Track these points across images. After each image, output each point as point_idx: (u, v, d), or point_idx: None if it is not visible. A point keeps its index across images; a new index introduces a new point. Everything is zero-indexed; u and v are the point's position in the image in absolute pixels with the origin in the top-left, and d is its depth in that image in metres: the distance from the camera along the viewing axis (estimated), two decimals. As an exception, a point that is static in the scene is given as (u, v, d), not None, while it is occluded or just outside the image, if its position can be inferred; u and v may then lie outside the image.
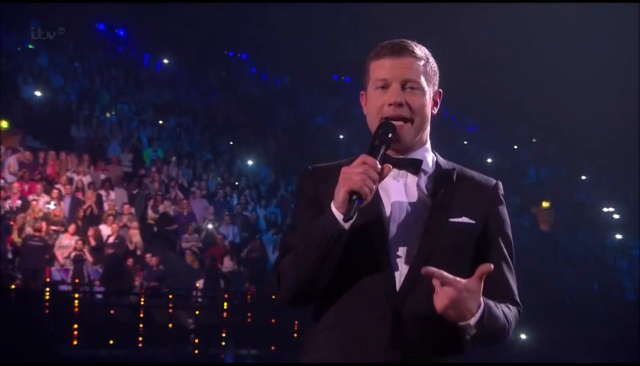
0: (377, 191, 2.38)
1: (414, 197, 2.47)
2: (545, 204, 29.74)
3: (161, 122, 23.86)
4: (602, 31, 25.42)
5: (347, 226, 2.30)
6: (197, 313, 15.57)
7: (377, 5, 25.24)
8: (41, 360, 12.37)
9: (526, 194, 29.17)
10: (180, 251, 18.41)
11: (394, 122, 2.43)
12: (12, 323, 12.84)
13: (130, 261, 16.00)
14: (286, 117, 28.42)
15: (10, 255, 14.89)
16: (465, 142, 33.67)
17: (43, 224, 15.29)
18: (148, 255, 16.31)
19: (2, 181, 16.71)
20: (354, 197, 2.27)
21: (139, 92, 24.92)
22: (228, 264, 17.74)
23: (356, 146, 22.16)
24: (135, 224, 17.12)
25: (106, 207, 17.38)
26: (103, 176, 18.61)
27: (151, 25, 26.72)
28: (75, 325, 13.52)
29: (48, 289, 14.19)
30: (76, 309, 13.68)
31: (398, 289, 2.37)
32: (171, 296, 15.17)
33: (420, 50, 2.54)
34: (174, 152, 22.09)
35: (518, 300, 2.57)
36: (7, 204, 15.71)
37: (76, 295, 14.21)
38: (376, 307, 2.37)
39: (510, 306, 2.50)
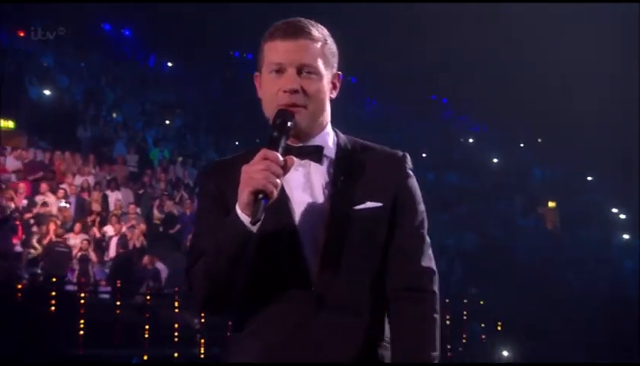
0: (282, 186, 2.23)
1: (317, 187, 2.36)
2: (551, 204, 29.70)
3: (166, 122, 23.92)
4: (608, 29, 25.37)
5: (254, 228, 2.18)
6: (202, 314, 15.57)
7: (399, 5, 25.21)
8: (46, 359, 12.41)
9: (532, 193, 29.16)
10: (185, 251, 18.42)
11: (290, 109, 2.31)
12: (18, 322, 12.89)
13: (137, 260, 16.02)
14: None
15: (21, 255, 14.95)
16: (471, 141, 33.68)
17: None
18: (147, 256, 16.33)
19: (8, 180, 16.76)
20: (260, 196, 2.14)
21: (145, 92, 24.98)
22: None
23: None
24: (140, 224, 17.14)
25: (111, 207, 17.42)
26: (108, 176, 18.66)
27: (156, 26, 26.75)
28: (81, 325, 13.55)
29: (54, 288, 14.23)
30: (82, 309, 13.70)
31: (313, 289, 2.28)
32: (176, 297, 15.17)
33: (318, 31, 2.39)
34: (179, 152, 22.14)
35: (431, 274, 2.38)
36: (12, 204, 15.74)
37: (82, 295, 14.23)
38: (295, 310, 2.28)
39: (421, 329, 2.32)
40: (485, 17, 25.86)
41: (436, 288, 2.39)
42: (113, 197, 17.81)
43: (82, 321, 13.51)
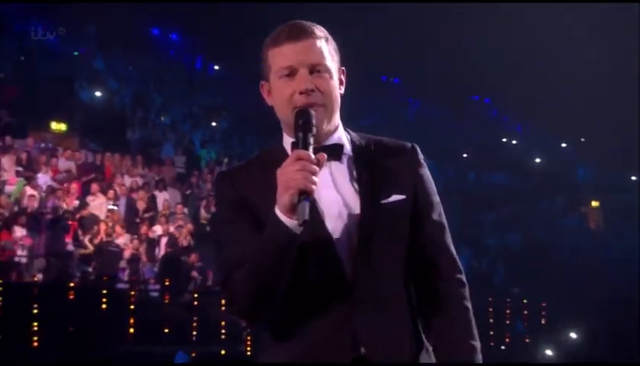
0: None
1: (342, 186, 2.35)
2: (594, 203, 29.30)
3: (213, 124, 24.07)
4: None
5: (299, 230, 2.15)
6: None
7: (425, 5, 25.10)
8: (97, 356, 12.55)
9: (575, 193, 28.79)
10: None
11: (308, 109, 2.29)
12: (70, 319, 13.07)
13: (184, 259, 16.15)
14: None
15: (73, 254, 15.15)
16: (514, 142, 33.36)
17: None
18: (194, 254, 16.44)
19: (60, 181, 16.99)
20: (302, 197, 2.11)
21: (192, 95, 25.15)
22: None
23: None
24: (187, 224, 17.27)
25: (160, 207, 17.57)
26: (156, 177, 18.82)
27: (202, 29, 26.91)
28: (131, 323, 13.69)
29: (105, 287, 14.41)
30: (132, 307, 13.84)
31: (350, 287, 2.27)
32: (223, 295, 15.24)
33: (319, 30, 2.40)
34: (225, 153, 22.26)
35: (458, 269, 2.42)
36: (64, 204, 15.95)
37: (132, 293, 14.38)
38: (334, 310, 2.26)
39: (460, 320, 2.36)
40: (527, 17, 25.62)
41: (464, 277, 2.43)
42: (161, 197, 17.95)
43: (132, 319, 13.66)
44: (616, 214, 27.72)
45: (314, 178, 2.13)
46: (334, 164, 2.36)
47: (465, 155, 28.44)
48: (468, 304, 2.38)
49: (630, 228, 26.31)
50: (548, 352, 18.56)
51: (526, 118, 33.44)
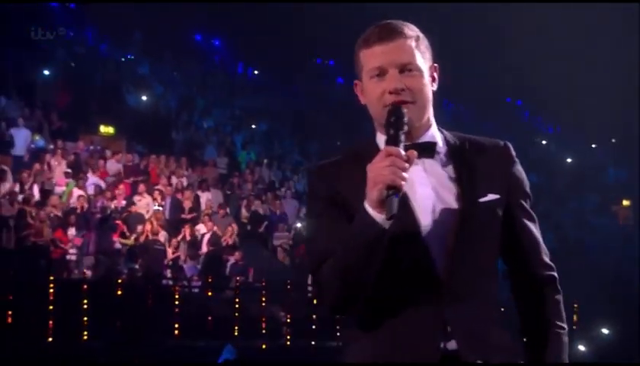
0: None
1: (436, 183, 2.31)
2: (625, 203, 28.94)
3: (253, 126, 24.16)
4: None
5: (387, 224, 2.12)
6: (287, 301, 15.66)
7: (459, 6, 24.95)
8: (145, 350, 12.67)
9: (606, 192, 28.45)
10: (272, 248, 18.59)
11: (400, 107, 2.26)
12: (119, 314, 13.21)
13: (226, 257, 16.26)
14: (371, 120, 28.37)
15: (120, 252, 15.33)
16: (544, 143, 33.07)
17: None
18: (237, 252, 16.53)
19: (109, 182, 17.19)
20: (390, 192, 2.09)
21: (233, 99, 25.28)
22: (317, 261, 17.80)
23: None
24: (232, 224, 17.38)
25: (203, 206, 17.69)
26: (200, 178, 18.95)
27: (243, 35, 27.05)
28: (176, 317, 13.80)
29: (151, 283, 14.56)
30: (176, 303, 13.95)
31: (441, 283, 2.24)
32: (264, 291, 15.31)
33: (409, 29, 2.35)
34: (265, 154, 22.34)
35: (547, 256, 2.44)
36: (113, 204, 16.13)
37: (176, 289, 14.49)
38: (423, 305, 2.23)
39: (550, 302, 2.41)
40: (559, 20, 25.38)
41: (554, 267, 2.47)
42: (204, 197, 18.07)
43: (177, 314, 13.77)
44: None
45: (403, 174, 2.11)
46: (428, 161, 2.34)
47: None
48: (558, 288, 2.43)
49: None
50: (581, 348, 18.35)
51: (557, 120, 33.14)
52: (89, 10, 23.05)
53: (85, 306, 12.78)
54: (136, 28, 23.49)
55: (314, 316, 15.29)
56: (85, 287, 13.17)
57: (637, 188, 28.13)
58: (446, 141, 2.40)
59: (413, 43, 2.33)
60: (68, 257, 14.58)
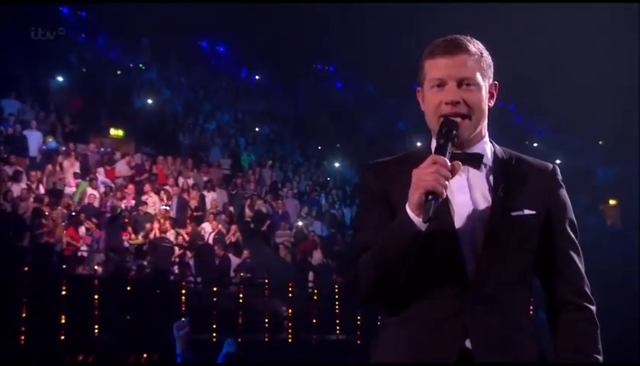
0: None
1: (477, 192, 2.36)
2: (612, 202, 28.97)
3: (256, 129, 24.18)
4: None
5: (424, 227, 2.19)
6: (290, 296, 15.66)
7: (459, 12, 24.94)
8: (152, 342, 12.68)
9: (594, 192, 28.47)
10: (274, 245, 18.61)
11: (453, 119, 2.32)
12: (128, 309, 13.22)
13: (227, 254, 16.24)
14: (370, 122, 28.40)
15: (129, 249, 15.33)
16: (536, 145, 33.09)
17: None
18: (245, 252, 16.55)
19: (118, 183, 17.20)
20: (430, 197, 2.15)
21: (237, 102, 25.29)
22: (317, 258, 17.84)
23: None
24: (233, 222, 17.40)
25: (208, 206, 17.71)
26: (205, 178, 18.96)
27: (247, 42, 27.08)
28: (182, 312, 13.80)
29: (159, 279, 14.57)
30: (183, 298, 13.96)
31: (468, 286, 2.28)
32: (266, 287, 15.33)
33: (474, 46, 2.39)
34: (267, 156, 22.36)
35: (588, 287, 2.42)
36: (122, 204, 16.14)
37: (183, 284, 14.49)
38: (449, 304, 2.27)
39: (587, 331, 2.37)
40: (548, 25, 25.38)
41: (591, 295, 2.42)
42: (210, 197, 18.09)
43: (183, 308, 13.77)
44: (633, 212, 27.34)
45: (445, 181, 2.17)
46: (473, 171, 2.38)
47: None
48: (596, 320, 2.39)
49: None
50: None
51: (548, 123, 33.18)
52: (100, 17, 23.10)
53: (96, 301, 12.81)
54: (144, 36, 23.53)
55: (314, 311, 15.32)
56: (96, 282, 13.20)
57: (625, 188, 28.18)
58: (495, 154, 2.44)
59: (474, 59, 2.37)
60: (79, 254, 14.59)
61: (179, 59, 24.80)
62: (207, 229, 16.65)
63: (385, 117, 29.74)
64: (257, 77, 28.50)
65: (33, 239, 13.93)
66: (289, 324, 15.15)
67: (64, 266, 13.72)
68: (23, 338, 11.81)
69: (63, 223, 14.53)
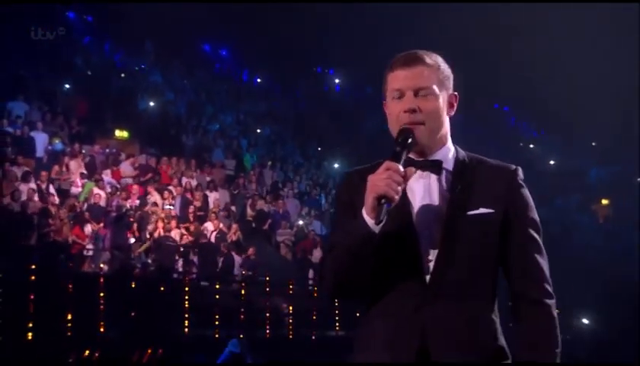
0: (405, 194, 2.36)
1: (436, 196, 2.41)
2: (604, 201, 29.00)
3: (258, 130, 24.21)
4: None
5: (377, 229, 2.28)
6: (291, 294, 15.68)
7: (459, 17, 24.93)
8: (156, 338, 12.72)
9: (587, 192, 28.51)
10: (275, 244, 18.64)
11: (410, 127, 2.39)
12: (133, 305, 13.26)
13: (230, 252, 16.28)
14: (370, 123, 28.42)
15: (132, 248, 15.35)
16: (531, 146, 33.12)
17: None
18: (250, 249, 16.58)
19: (124, 183, 17.23)
20: (382, 201, 2.24)
21: (239, 104, 25.32)
22: (317, 256, 17.88)
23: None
24: (235, 221, 17.43)
25: (211, 205, 17.74)
26: (208, 178, 19.00)
27: (249, 45, 27.12)
28: (186, 308, 13.84)
29: (163, 276, 14.59)
30: (186, 295, 13.99)
31: (427, 283, 2.34)
32: (268, 284, 15.36)
33: (431, 58, 2.46)
34: (269, 157, 22.39)
35: (549, 283, 2.43)
36: (127, 203, 16.17)
37: (187, 282, 14.52)
38: (410, 301, 2.33)
39: (543, 326, 2.38)
40: (543, 28, 25.37)
41: (552, 291, 2.43)
42: (212, 196, 18.13)
43: (187, 305, 13.81)
44: (624, 211, 27.39)
45: (397, 187, 2.26)
46: (433, 177, 2.44)
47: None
48: (553, 314, 2.41)
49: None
50: (585, 321, 18.42)
51: (542, 124, 33.20)
52: (105, 22, 23.14)
53: (101, 299, 12.84)
54: (148, 39, 23.57)
55: (314, 308, 15.36)
56: (102, 280, 13.23)
57: (618, 187, 28.19)
58: (457, 159, 2.50)
59: (431, 70, 2.45)
60: (85, 252, 14.62)
61: (182, 63, 24.84)
62: (209, 228, 16.69)
63: (385, 117, 29.71)
64: (258, 79, 28.54)
65: (41, 238, 13.97)
66: (290, 320, 15.19)
67: (70, 264, 13.75)
68: (30, 334, 11.83)
69: (70, 223, 14.56)
